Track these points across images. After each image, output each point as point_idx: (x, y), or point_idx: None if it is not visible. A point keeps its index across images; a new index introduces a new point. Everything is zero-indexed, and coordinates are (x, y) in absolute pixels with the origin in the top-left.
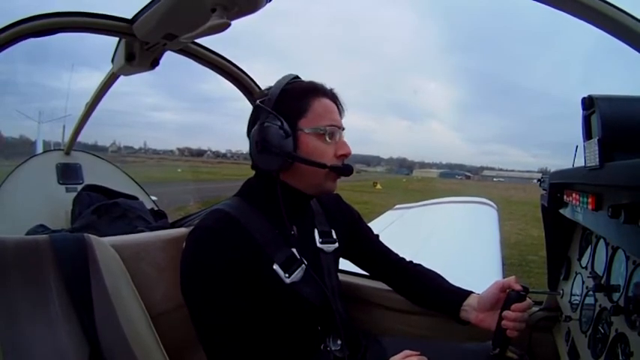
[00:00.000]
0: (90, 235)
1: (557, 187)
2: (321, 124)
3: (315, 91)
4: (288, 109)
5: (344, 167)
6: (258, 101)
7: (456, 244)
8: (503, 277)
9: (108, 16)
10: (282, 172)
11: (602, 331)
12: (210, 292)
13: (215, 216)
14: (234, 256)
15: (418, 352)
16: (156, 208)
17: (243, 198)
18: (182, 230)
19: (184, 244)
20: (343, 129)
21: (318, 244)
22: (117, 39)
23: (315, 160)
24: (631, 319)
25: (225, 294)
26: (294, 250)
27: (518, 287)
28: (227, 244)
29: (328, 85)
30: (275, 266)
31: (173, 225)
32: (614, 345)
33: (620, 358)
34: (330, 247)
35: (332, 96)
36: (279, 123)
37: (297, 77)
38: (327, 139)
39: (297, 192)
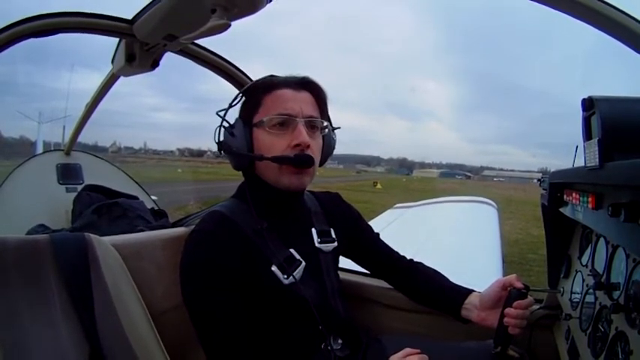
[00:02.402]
0: (90, 234)
1: (558, 186)
2: (267, 115)
3: (270, 85)
4: (245, 108)
5: (291, 157)
6: (217, 112)
7: (457, 242)
8: (504, 275)
9: (108, 16)
10: (254, 168)
11: (602, 329)
12: (209, 293)
13: (212, 218)
14: (232, 257)
15: (419, 351)
16: (156, 208)
17: (239, 199)
18: (182, 230)
19: (184, 246)
20: (309, 117)
21: (317, 244)
22: (117, 40)
23: (255, 154)
24: (631, 317)
25: (224, 295)
26: (292, 250)
27: (519, 285)
28: (224, 246)
29: (300, 74)
30: (273, 267)
31: (174, 225)
32: (613, 343)
33: (620, 356)
34: (328, 247)
35: (296, 85)
36: (227, 123)
37: (271, 76)
38: (268, 129)
39: (272, 188)
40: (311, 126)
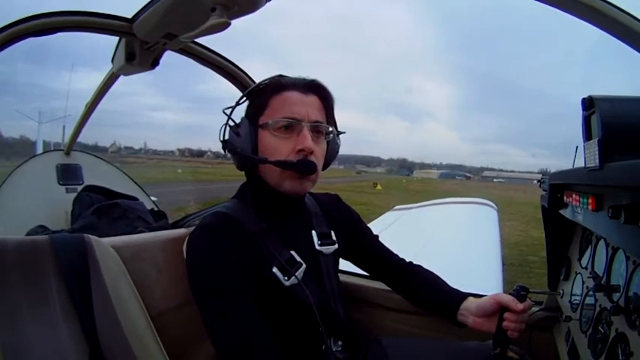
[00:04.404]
0: (90, 235)
1: (558, 187)
2: (272, 118)
3: (278, 86)
4: (252, 108)
5: (294, 163)
6: (223, 109)
7: (456, 244)
8: (503, 278)
9: (108, 15)
10: (257, 169)
11: (602, 331)
12: (219, 280)
13: (216, 216)
14: (238, 251)
15: None
16: (156, 209)
17: (240, 199)
18: (182, 230)
19: (187, 242)
20: (314, 122)
21: (317, 246)
22: (117, 39)
23: (258, 156)
24: (631, 319)
25: (233, 280)
26: (293, 252)
27: (517, 308)
28: (230, 240)
29: (309, 77)
30: (274, 269)
31: (173, 225)
32: (614, 345)
33: (620, 358)
34: (329, 249)
35: (304, 88)
36: (233, 123)
37: (280, 76)
38: (273, 132)
39: (273, 190)
40: (316, 131)
